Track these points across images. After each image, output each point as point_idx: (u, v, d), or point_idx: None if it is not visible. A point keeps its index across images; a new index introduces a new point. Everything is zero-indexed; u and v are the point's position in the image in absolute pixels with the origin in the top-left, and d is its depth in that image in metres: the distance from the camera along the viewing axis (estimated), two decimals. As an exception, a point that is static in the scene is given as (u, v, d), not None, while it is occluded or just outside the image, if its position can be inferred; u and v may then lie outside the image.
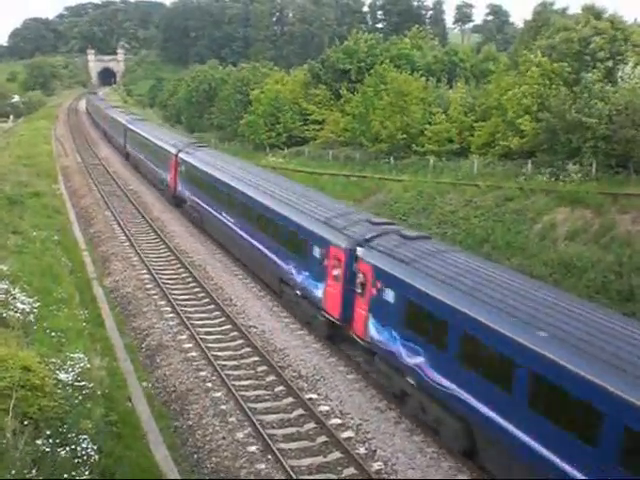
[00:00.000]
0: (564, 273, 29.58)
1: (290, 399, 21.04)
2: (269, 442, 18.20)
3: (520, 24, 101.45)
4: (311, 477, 16.99)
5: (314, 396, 21.18)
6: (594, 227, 31.59)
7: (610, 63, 43.90)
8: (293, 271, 26.31)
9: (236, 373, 22.76)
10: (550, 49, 46.16)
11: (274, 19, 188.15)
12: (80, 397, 17.75)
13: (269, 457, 17.77)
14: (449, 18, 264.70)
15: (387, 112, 53.01)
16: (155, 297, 29.89)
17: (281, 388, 21.73)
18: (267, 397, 21.28)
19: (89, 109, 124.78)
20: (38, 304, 24.02)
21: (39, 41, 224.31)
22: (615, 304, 25.79)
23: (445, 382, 17.59)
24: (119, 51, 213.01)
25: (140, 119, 74.65)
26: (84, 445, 15.36)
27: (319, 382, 22.12)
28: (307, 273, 25.13)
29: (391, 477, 17.01)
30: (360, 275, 21.58)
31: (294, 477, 16.70)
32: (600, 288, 27.72)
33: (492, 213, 36.71)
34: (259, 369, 23.11)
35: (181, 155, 43.78)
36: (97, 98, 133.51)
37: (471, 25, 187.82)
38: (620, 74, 42.90)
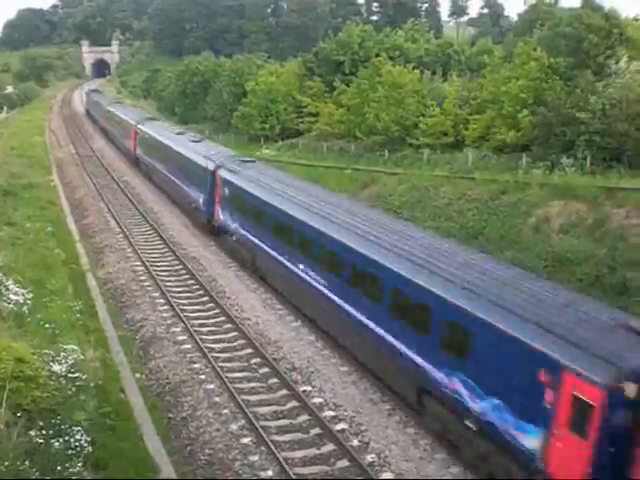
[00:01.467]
0: (557, 266, 29.61)
1: (284, 391, 21.07)
2: (262, 434, 18.23)
3: (515, 17, 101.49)
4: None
5: (308, 388, 21.21)
6: (588, 221, 31.63)
7: (601, 58, 43.96)
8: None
9: (230, 365, 22.78)
10: (548, 41, 46.15)
11: (269, 10, 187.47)
12: (73, 388, 17.76)
13: (262, 449, 17.80)
14: (444, 11, 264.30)
15: (382, 105, 52.93)
16: (149, 289, 29.87)
17: (275, 380, 21.75)
18: (261, 389, 21.31)
19: (98, 118, 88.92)
20: (31, 295, 24.01)
21: (33, 32, 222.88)
22: (608, 297, 25.82)
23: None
24: (113, 42, 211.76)
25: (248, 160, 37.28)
26: (77, 437, 15.38)
27: (313, 374, 22.15)
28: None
29: (384, 469, 17.05)
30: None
31: (287, 469, 16.72)
32: (594, 281, 27.76)
33: (486, 206, 36.69)
34: (253, 361, 23.13)
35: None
36: (111, 101, 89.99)
37: (466, 18, 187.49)
38: (613, 69, 43.00)
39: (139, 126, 56.35)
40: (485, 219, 35.82)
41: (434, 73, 59.39)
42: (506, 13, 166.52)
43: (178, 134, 49.90)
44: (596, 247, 29.54)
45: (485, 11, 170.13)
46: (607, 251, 28.83)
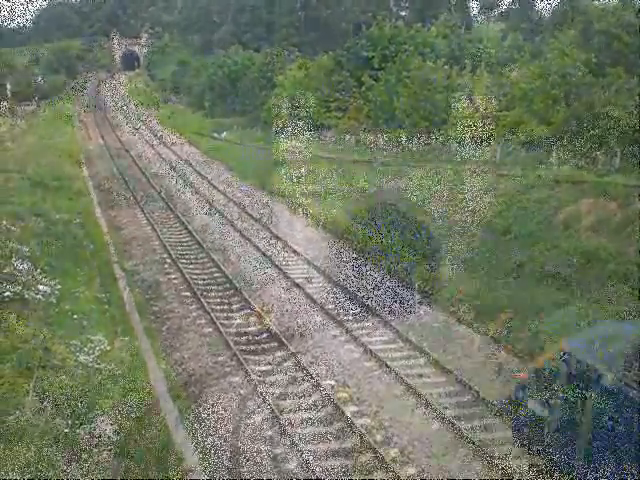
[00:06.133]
0: (585, 264, 29.28)
1: (307, 384, 21.08)
2: (286, 426, 18.25)
3: (545, 13, 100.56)
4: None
5: (332, 382, 21.21)
6: (617, 217, 31.22)
7: (635, 56, 43.59)
8: None
9: (255, 358, 22.82)
10: (581, 37, 45.80)
11: (297, 4, 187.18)
12: (100, 378, 17.89)
13: (286, 441, 17.83)
14: (475, 5, 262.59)
15: (412, 100, 52.73)
16: (175, 282, 30.01)
17: (299, 374, 21.75)
18: (284, 382, 21.33)
19: None
20: (59, 286, 24.19)
21: (63, 23, 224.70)
22: (635, 296, 25.51)
23: None
24: (143, 35, 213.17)
25: None
26: (103, 425, 15.50)
27: (336, 368, 22.13)
28: None
29: (407, 465, 16.99)
30: None
31: (310, 461, 16.71)
32: (622, 279, 27.42)
33: (515, 200, 36.38)
34: (277, 354, 23.16)
35: None
36: None
37: (496, 13, 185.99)
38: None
39: None
40: (512, 214, 35.49)
41: (463, 68, 58.98)
42: (537, 8, 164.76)
43: None
44: (625, 245, 29.18)
45: (516, 6, 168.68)
46: (636, 250, 28.46)
